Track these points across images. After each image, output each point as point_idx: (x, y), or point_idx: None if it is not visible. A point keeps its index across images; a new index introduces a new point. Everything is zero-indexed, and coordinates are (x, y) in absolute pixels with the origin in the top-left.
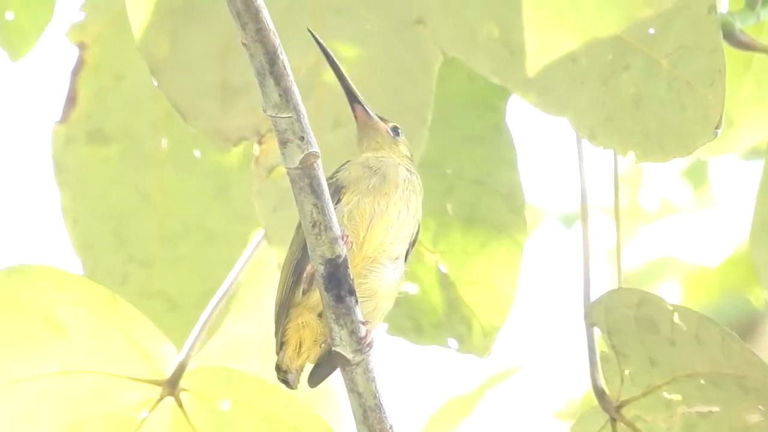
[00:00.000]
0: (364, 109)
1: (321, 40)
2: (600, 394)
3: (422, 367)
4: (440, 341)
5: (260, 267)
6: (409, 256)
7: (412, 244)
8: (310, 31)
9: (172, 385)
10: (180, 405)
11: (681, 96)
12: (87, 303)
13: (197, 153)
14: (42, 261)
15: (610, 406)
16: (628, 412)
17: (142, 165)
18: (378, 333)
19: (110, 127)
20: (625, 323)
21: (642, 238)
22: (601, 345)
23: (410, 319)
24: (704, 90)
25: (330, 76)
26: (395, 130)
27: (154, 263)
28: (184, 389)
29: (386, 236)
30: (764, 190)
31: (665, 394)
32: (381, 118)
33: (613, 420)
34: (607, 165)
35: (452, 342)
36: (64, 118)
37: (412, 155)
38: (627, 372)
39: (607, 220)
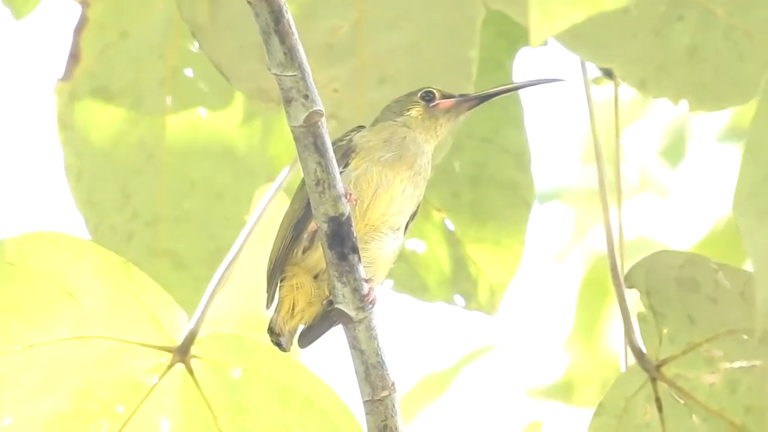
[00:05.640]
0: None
1: None
2: (638, 354)
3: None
4: (446, 298)
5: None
6: (408, 229)
7: (412, 217)
8: None
9: (182, 352)
10: (190, 372)
11: (738, 45)
12: (98, 269)
13: (202, 111)
14: (46, 223)
15: (649, 366)
16: (669, 371)
17: (147, 123)
18: (380, 291)
19: (115, 85)
20: (665, 283)
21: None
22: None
23: (416, 277)
24: (763, 38)
25: (373, 35)
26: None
27: (160, 221)
28: (194, 356)
29: (390, 207)
30: (751, 150)
31: (706, 351)
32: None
33: (653, 379)
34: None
35: (459, 299)
36: (67, 75)
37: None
38: (665, 331)
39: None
